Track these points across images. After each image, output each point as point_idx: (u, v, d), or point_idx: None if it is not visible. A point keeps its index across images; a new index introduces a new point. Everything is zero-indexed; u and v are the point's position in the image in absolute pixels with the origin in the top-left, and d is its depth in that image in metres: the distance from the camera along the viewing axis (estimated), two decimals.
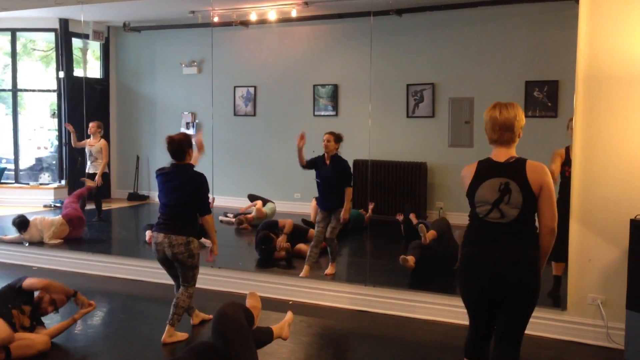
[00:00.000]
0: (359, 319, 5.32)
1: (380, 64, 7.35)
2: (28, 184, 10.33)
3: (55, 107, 10.18)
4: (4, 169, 10.51)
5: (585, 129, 4.60)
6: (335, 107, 8.98)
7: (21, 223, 7.25)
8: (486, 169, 3.15)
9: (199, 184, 4.55)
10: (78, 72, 10.15)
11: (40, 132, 11.07)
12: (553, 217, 3.07)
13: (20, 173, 10.47)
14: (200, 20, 8.70)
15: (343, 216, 5.90)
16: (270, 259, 6.66)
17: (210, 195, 4.86)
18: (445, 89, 8.05)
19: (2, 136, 10.69)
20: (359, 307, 5.50)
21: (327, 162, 5.98)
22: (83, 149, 8.63)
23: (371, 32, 6.54)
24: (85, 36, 9.72)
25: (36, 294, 4.70)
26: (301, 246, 6.79)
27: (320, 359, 4.40)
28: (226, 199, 8.54)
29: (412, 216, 6.95)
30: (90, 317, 5.20)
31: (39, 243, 7.23)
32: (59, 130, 10.07)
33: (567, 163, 5.07)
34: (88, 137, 8.53)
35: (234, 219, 8.45)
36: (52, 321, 4.82)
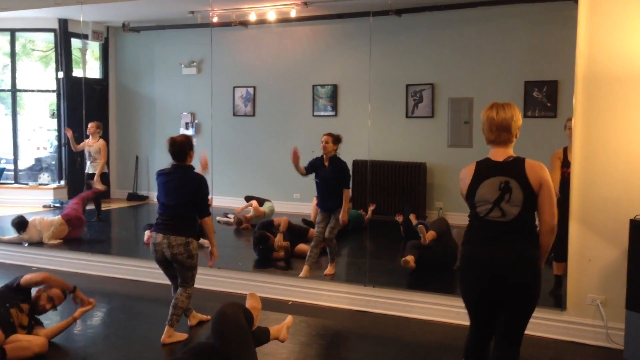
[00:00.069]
0: (358, 319, 5.31)
1: (379, 64, 7.35)
2: (27, 184, 10.32)
3: (54, 107, 10.17)
4: (3, 169, 10.51)
5: (584, 129, 4.60)
6: (335, 108, 8.98)
7: (20, 224, 7.24)
8: (485, 169, 3.16)
9: (200, 185, 4.56)
10: (77, 72, 10.14)
11: (40, 133, 11.07)
12: (553, 214, 3.08)
13: (20, 173, 10.46)
14: (200, 21, 8.70)
15: (342, 218, 5.91)
16: (268, 259, 6.66)
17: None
18: (444, 89, 8.05)
19: (1, 136, 10.68)
20: (358, 308, 5.50)
21: (326, 163, 5.98)
22: (83, 150, 8.62)
23: (370, 32, 6.54)
24: (84, 36, 9.72)
25: (34, 292, 4.70)
26: (302, 246, 6.79)
27: (319, 359, 4.40)
28: (225, 199, 8.54)
29: (412, 217, 6.96)
30: (90, 317, 5.20)
31: (38, 243, 7.23)
32: (58, 130, 10.07)
33: (565, 164, 5.07)
34: (87, 137, 8.53)
35: (232, 220, 8.44)
36: (51, 321, 4.82)
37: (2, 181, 10.38)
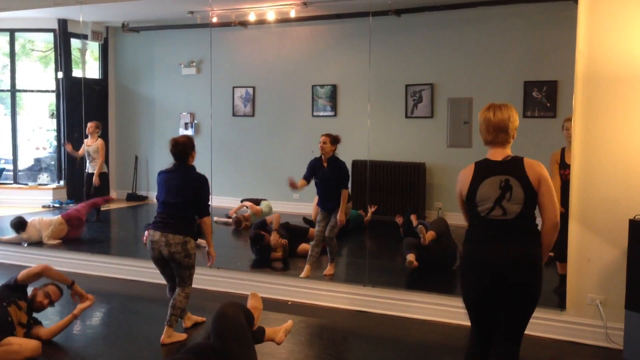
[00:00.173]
0: (357, 319, 5.32)
1: (379, 64, 7.35)
2: (27, 184, 10.31)
3: (54, 107, 10.17)
4: (3, 169, 10.50)
5: (584, 130, 4.60)
6: (334, 108, 8.98)
7: (18, 224, 7.24)
8: (485, 169, 3.17)
9: (201, 185, 4.57)
10: (77, 72, 10.14)
11: (39, 133, 11.06)
12: (555, 210, 3.10)
13: (19, 173, 10.46)
14: (199, 21, 8.70)
15: (339, 218, 5.91)
16: (266, 259, 6.66)
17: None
18: (444, 89, 8.05)
19: (0, 136, 10.67)
20: (357, 308, 5.50)
21: (325, 164, 5.98)
22: (83, 150, 8.63)
23: (370, 32, 6.54)
24: (84, 37, 9.72)
25: (30, 291, 4.70)
26: (305, 246, 6.80)
27: (319, 359, 4.40)
28: (225, 200, 8.54)
29: (413, 217, 6.95)
30: (89, 317, 5.20)
31: (37, 243, 7.22)
32: (58, 130, 10.06)
33: (563, 166, 5.08)
34: (86, 137, 8.53)
35: (230, 220, 8.44)
36: (50, 321, 4.82)
37: (1, 181, 10.37)
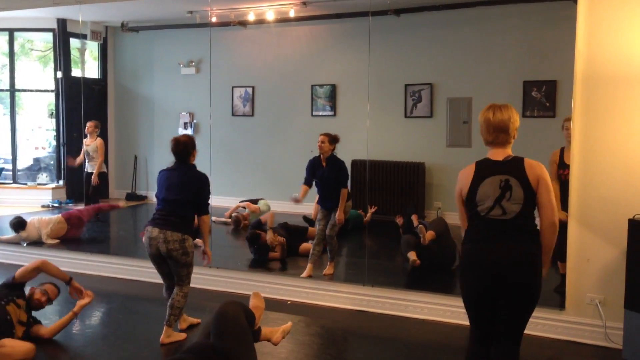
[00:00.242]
0: (357, 318, 5.32)
1: (378, 64, 7.35)
2: (26, 184, 10.31)
3: (53, 107, 10.16)
4: (2, 169, 10.49)
5: (583, 129, 4.60)
6: (334, 107, 8.98)
7: (18, 224, 7.24)
8: (485, 168, 3.18)
9: (203, 184, 4.59)
10: (76, 72, 10.13)
11: (38, 132, 11.05)
12: (552, 210, 3.10)
13: (18, 173, 10.45)
14: (198, 21, 8.69)
15: (337, 217, 5.92)
16: (264, 259, 6.66)
17: None
18: (443, 89, 8.05)
19: (0, 136, 10.67)
20: (357, 307, 5.50)
21: (324, 163, 5.99)
22: (82, 150, 8.62)
23: (369, 32, 6.54)
24: (83, 36, 9.71)
25: (27, 290, 4.70)
26: (306, 245, 6.81)
27: (318, 359, 4.40)
28: (224, 199, 8.54)
29: (414, 217, 6.93)
30: (89, 317, 5.20)
31: (37, 243, 7.22)
32: (57, 130, 10.06)
33: (562, 166, 5.08)
34: (85, 137, 8.54)
35: (229, 220, 8.45)
36: (50, 321, 4.82)
37: (0, 181, 10.37)
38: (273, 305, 5.45)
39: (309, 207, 7.45)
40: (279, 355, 4.37)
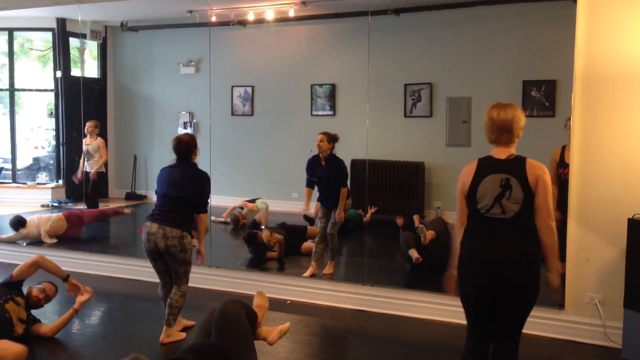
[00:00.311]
0: (357, 318, 5.32)
1: (378, 63, 7.35)
2: (25, 183, 10.31)
3: (52, 106, 10.16)
4: (2, 168, 10.49)
5: (582, 129, 4.60)
6: (333, 107, 8.98)
7: (17, 222, 7.25)
8: (487, 166, 3.18)
9: (204, 183, 4.59)
10: (75, 71, 10.13)
11: (38, 132, 11.05)
12: (548, 212, 3.09)
13: (18, 173, 10.45)
14: (198, 20, 8.69)
15: (337, 216, 5.93)
16: (263, 258, 6.66)
17: None
18: (443, 88, 8.05)
19: None
20: (357, 307, 5.51)
21: (323, 162, 5.99)
22: (81, 149, 8.63)
23: (369, 31, 6.55)
24: (82, 36, 9.70)
25: (25, 290, 4.71)
26: (308, 244, 6.83)
27: (318, 359, 4.40)
28: (223, 199, 8.53)
29: (415, 217, 6.91)
30: (89, 316, 5.20)
31: (36, 243, 7.22)
32: (57, 130, 10.05)
33: (562, 165, 5.08)
34: (84, 136, 8.54)
35: (228, 219, 8.46)
36: (49, 320, 4.82)
37: (0, 180, 10.37)
38: (272, 304, 5.41)
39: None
40: (279, 354, 4.37)
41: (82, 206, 8.78)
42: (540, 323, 4.72)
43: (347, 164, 6.24)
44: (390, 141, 8.35)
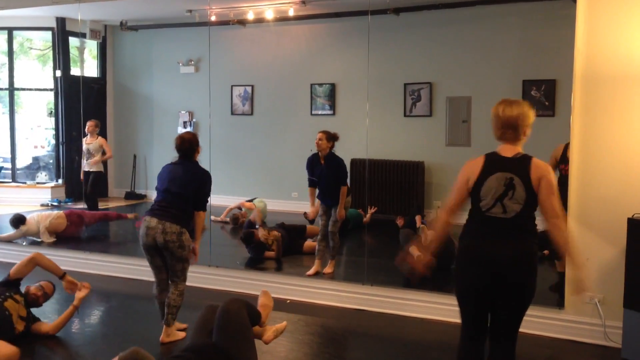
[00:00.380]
0: (356, 317, 5.32)
1: (377, 63, 7.35)
2: (25, 182, 10.31)
3: (52, 106, 10.17)
4: (1, 167, 10.50)
5: (582, 128, 4.60)
6: (333, 106, 8.98)
7: (17, 220, 7.27)
8: (493, 163, 3.14)
9: (205, 181, 4.60)
10: (75, 71, 10.13)
11: (37, 131, 11.06)
12: (553, 211, 3.06)
13: (17, 172, 10.46)
14: (198, 19, 8.69)
15: (338, 214, 5.94)
16: (261, 258, 6.65)
17: None
18: (442, 88, 8.06)
19: None
20: (356, 306, 5.50)
21: (322, 161, 5.99)
22: (81, 149, 8.62)
23: (369, 31, 6.54)
24: (82, 35, 9.71)
25: (22, 289, 4.71)
26: (310, 243, 6.84)
27: (317, 358, 4.40)
28: (223, 198, 8.54)
29: (417, 218, 6.87)
30: (88, 316, 5.20)
31: (36, 242, 7.22)
32: (56, 129, 10.06)
33: (563, 161, 5.07)
34: (84, 135, 8.54)
35: (227, 219, 8.46)
36: (49, 320, 4.82)
37: None
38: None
39: (307, 205, 7.45)
40: (279, 354, 4.37)
41: (81, 205, 8.78)
42: (540, 322, 4.72)
43: (347, 163, 6.24)
44: (390, 141, 8.36)
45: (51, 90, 10.16)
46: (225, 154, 9.41)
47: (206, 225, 4.79)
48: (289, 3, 8.33)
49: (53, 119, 10.15)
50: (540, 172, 3.06)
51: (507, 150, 3.15)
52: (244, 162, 9.75)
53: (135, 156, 10.32)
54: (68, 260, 6.78)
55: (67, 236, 7.46)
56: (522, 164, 3.09)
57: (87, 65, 10.56)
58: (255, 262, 6.58)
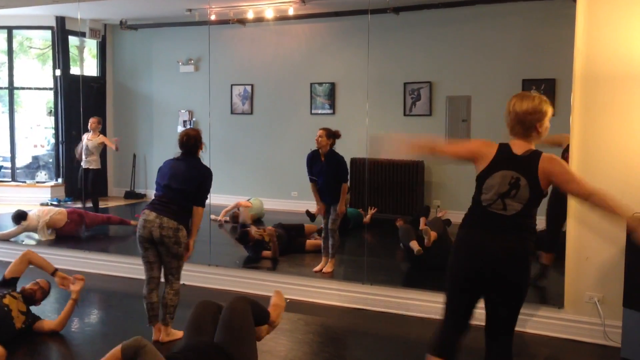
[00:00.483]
0: (356, 316, 5.32)
1: (377, 62, 7.35)
2: (25, 182, 10.31)
3: (52, 105, 10.16)
4: (1, 167, 10.50)
5: (582, 128, 4.61)
6: (333, 106, 8.98)
7: (19, 216, 7.31)
8: (502, 159, 3.09)
9: (207, 177, 4.61)
10: (75, 70, 10.13)
11: (37, 130, 11.05)
12: (581, 192, 3.01)
13: (17, 171, 10.45)
14: (197, 18, 8.69)
15: (339, 209, 5.97)
16: (258, 257, 6.65)
17: None
18: (442, 87, 8.05)
19: None
20: (356, 305, 5.51)
21: (322, 158, 6.00)
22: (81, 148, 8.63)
23: (368, 30, 6.54)
24: (82, 34, 9.70)
25: (19, 288, 4.71)
26: (312, 242, 6.87)
27: (317, 357, 4.40)
28: (223, 197, 8.54)
29: (422, 220, 6.79)
30: (88, 315, 5.21)
31: (36, 243, 7.22)
32: (56, 128, 10.05)
33: (568, 150, 5.06)
34: (85, 132, 8.55)
35: (227, 218, 8.46)
36: (49, 319, 4.81)
37: None
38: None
39: (307, 204, 7.46)
40: (278, 353, 4.37)
41: (80, 205, 8.76)
42: (539, 322, 4.72)
43: (347, 162, 6.24)
44: None
45: (51, 89, 10.15)
46: (224, 153, 9.41)
47: (200, 227, 4.77)
48: (289, 2, 8.32)
49: (53, 118, 10.14)
50: (549, 169, 3.00)
51: (518, 146, 3.09)
52: (244, 161, 9.75)
53: (135, 155, 10.32)
54: (68, 259, 6.79)
55: (65, 234, 7.46)
56: (530, 163, 3.03)
57: (86, 64, 10.55)
58: (255, 261, 6.58)
